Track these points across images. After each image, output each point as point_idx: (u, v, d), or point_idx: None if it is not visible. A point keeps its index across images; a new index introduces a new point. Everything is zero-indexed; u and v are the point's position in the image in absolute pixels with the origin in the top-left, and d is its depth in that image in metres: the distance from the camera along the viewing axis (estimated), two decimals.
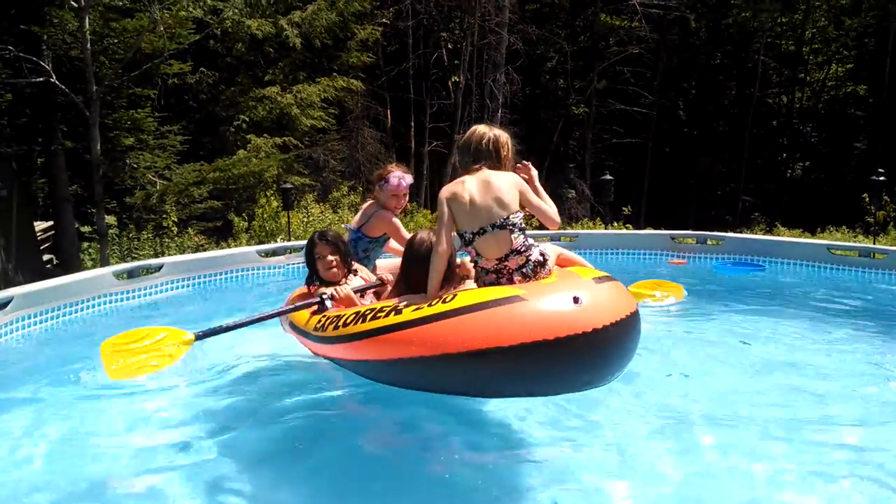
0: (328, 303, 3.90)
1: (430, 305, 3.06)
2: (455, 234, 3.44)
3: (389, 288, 4.14)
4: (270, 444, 3.31)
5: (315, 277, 4.35)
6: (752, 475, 2.91)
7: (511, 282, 3.30)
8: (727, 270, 7.69)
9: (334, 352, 3.54)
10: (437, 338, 2.92)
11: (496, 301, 2.94)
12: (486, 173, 3.40)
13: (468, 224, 3.35)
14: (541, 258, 3.31)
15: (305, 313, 3.92)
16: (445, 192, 3.41)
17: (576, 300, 2.89)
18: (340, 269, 4.29)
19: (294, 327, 4.06)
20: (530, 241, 3.35)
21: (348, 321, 3.37)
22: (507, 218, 3.29)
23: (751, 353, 4.59)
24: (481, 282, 3.43)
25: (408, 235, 4.78)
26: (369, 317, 3.25)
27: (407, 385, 3.23)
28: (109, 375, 3.35)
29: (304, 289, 4.61)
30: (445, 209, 3.38)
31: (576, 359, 2.88)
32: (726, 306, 5.95)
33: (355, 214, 5.13)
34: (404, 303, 3.21)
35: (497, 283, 3.34)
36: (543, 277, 3.30)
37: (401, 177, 4.88)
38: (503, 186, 3.34)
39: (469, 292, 3.12)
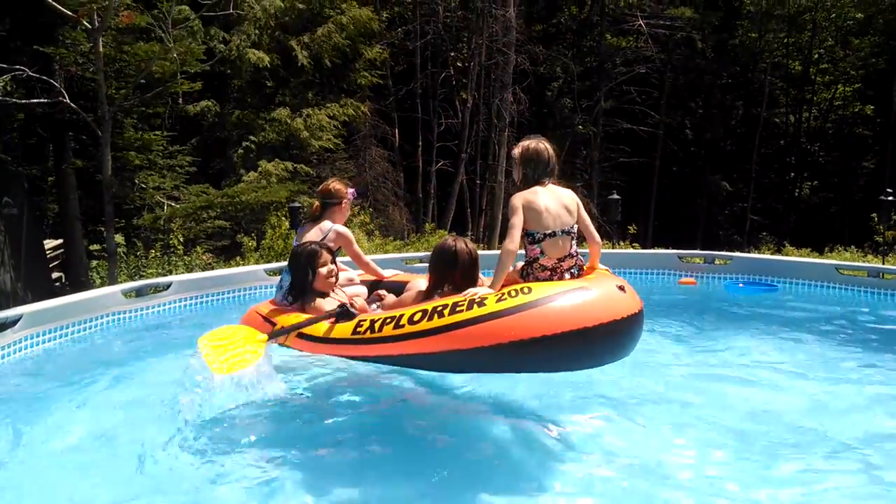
0: (353, 311, 4.05)
1: (512, 296, 3.54)
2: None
3: (413, 292, 4.42)
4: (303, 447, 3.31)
5: (304, 290, 4.42)
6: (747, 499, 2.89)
7: (562, 279, 3.94)
8: (739, 290, 7.65)
9: (396, 349, 3.73)
10: (538, 322, 3.43)
11: (573, 290, 3.59)
12: (553, 187, 4.10)
13: (541, 227, 3.97)
14: (582, 263, 4.08)
15: (324, 323, 4.07)
16: (521, 199, 3.98)
17: (622, 289, 3.69)
18: (335, 279, 4.47)
19: (308, 337, 4.10)
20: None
21: (416, 319, 3.68)
22: (572, 227, 4.00)
23: (756, 374, 4.56)
24: (533, 277, 4.02)
25: (359, 249, 5.17)
26: (446, 311, 3.60)
27: (490, 368, 3.66)
28: (214, 371, 3.57)
29: (266, 304, 4.72)
30: (521, 214, 3.95)
31: (628, 333, 3.65)
32: (734, 326, 5.92)
33: (302, 232, 5.19)
34: (477, 296, 3.63)
35: (550, 279, 3.96)
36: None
37: (354, 192, 5.21)
38: (569, 201, 4.05)
39: (543, 284, 3.75)
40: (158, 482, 3.04)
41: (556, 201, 4.02)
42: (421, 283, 4.62)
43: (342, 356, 4.02)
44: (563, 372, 3.74)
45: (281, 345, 4.28)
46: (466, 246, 4.19)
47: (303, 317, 4.22)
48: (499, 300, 3.55)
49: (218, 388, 3.64)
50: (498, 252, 4.15)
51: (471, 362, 3.59)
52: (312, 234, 4.99)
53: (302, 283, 4.43)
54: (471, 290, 3.76)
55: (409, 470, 3.17)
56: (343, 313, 4.03)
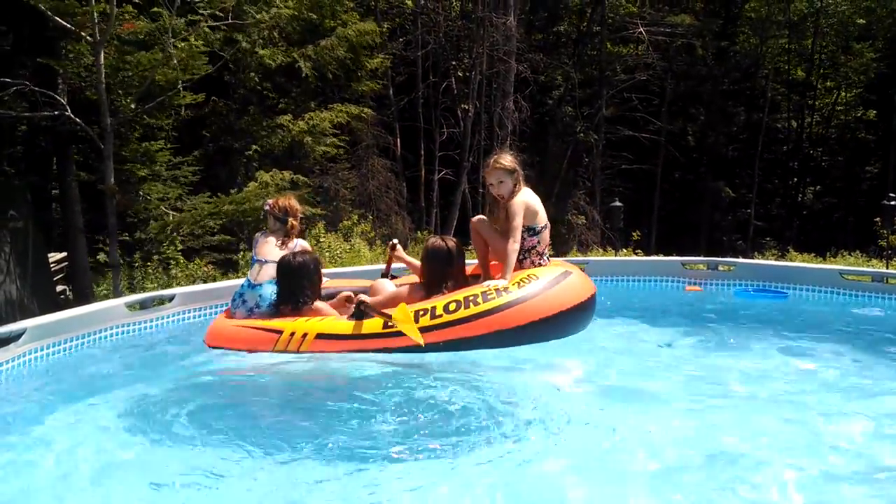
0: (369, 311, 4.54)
1: (528, 282, 4.58)
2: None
3: (404, 289, 4.97)
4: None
5: (300, 300, 4.82)
6: None
7: (546, 263, 5.01)
8: (749, 296, 7.61)
9: (438, 337, 4.35)
10: (558, 299, 4.59)
11: (565, 274, 4.79)
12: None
13: (539, 221, 4.91)
14: None
15: (349, 322, 4.52)
16: (522, 204, 4.80)
17: (583, 270, 5.18)
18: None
19: (334, 336, 4.46)
20: None
21: (451, 308, 4.40)
22: None
23: (759, 381, 4.53)
24: (529, 262, 4.92)
25: None
26: (479, 300, 4.42)
27: (513, 342, 4.47)
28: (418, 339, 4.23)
29: (224, 317, 5.10)
30: (524, 215, 4.78)
31: (593, 307, 4.94)
32: (737, 332, 5.89)
33: (268, 246, 5.39)
34: (500, 286, 4.52)
35: (540, 264, 4.94)
36: None
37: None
38: None
39: (541, 270, 4.78)
40: (161, 498, 3.03)
41: (538, 200, 4.94)
42: (387, 284, 5.29)
43: (373, 350, 4.40)
44: (566, 337, 4.70)
45: (296, 352, 4.49)
46: (455, 243, 4.87)
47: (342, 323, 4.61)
48: (520, 287, 4.53)
49: None
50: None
51: (508, 339, 4.42)
52: (280, 252, 5.22)
53: (311, 291, 4.86)
54: (489, 283, 4.58)
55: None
56: (367, 313, 4.50)
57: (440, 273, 4.76)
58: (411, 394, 4.00)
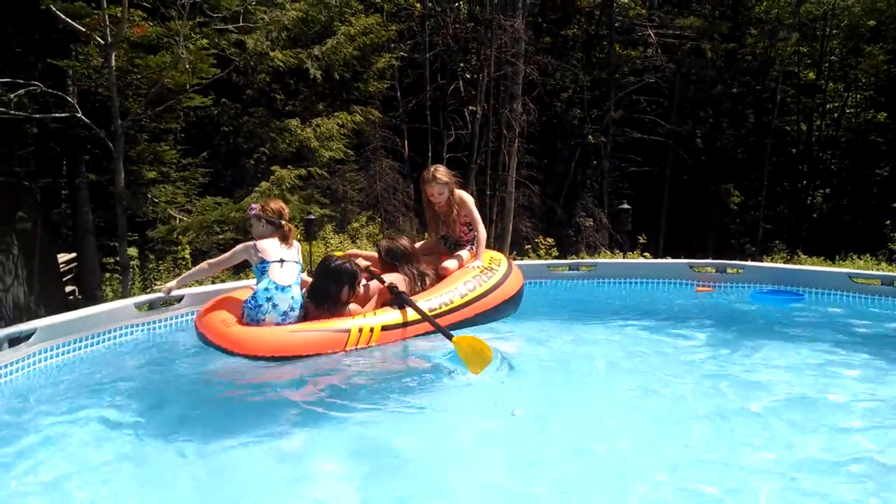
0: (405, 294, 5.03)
1: (500, 264, 5.74)
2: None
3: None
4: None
5: (334, 305, 4.92)
6: None
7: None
8: (764, 299, 7.55)
9: (471, 312, 5.20)
10: (516, 284, 5.76)
11: (511, 263, 5.91)
12: None
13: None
14: None
15: (402, 313, 4.91)
16: (468, 194, 5.86)
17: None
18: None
19: (395, 327, 4.81)
20: None
21: (471, 287, 5.30)
22: None
23: (765, 384, 4.51)
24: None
25: None
26: (484, 278, 5.42)
27: (488, 320, 5.31)
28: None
29: (238, 324, 5.01)
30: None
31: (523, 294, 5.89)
32: (743, 335, 5.85)
33: (288, 249, 5.37)
34: (484, 266, 5.61)
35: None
36: None
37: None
38: None
39: (490, 252, 5.97)
40: (171, 498, 3.04)
41: None
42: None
43: (428, 333, 4.85)
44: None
45: (366, 346, 4.70)
46: (405, 240, 5.53)
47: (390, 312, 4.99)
48: (499, 265, 5.70)
49: None
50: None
51: (504, 310, 5.48)
52: (295, 254, 5.31)
53: (334, 296, 4.97)
54: (475, 264, 5.58)
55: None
56: (404, 299, 4.90)
57: (405, 267, 5.35)
58: (420, 385, 4.01)
